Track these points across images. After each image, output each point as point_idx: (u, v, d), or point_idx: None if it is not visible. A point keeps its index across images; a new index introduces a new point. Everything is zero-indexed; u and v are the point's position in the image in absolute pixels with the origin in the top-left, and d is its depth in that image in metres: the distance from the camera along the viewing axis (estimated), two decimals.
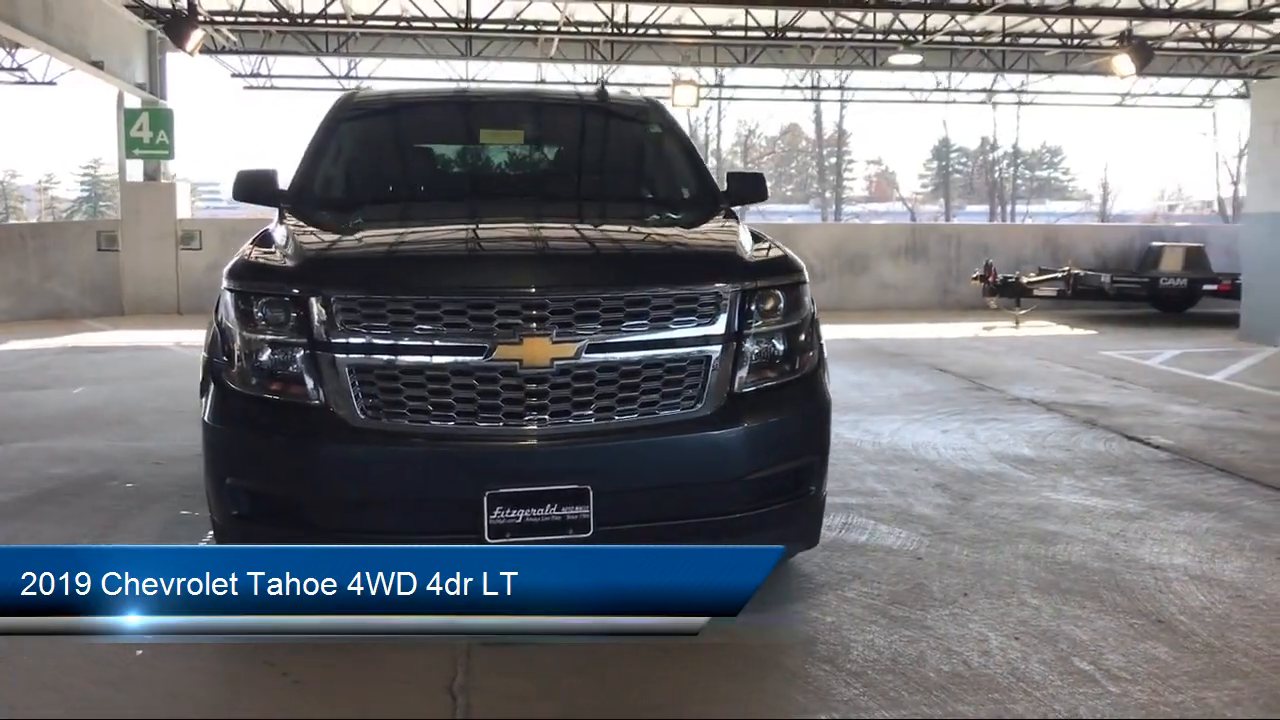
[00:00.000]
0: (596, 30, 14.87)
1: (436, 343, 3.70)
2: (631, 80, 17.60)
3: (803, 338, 4.13)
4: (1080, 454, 7.08)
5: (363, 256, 4.11)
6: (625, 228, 4.56)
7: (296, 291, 3.78)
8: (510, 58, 16.31)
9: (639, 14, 14.47)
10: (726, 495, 3.93)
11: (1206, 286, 15.94)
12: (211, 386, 3.98)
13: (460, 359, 3.70)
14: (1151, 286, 16.23)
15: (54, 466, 6.57)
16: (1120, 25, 13.66)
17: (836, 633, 4.04)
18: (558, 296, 3.74)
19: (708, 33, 14.83)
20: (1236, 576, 4.68)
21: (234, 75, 17.06)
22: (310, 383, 3.76)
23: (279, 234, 4.40)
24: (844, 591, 4.47)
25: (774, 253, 4.22)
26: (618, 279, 3.85)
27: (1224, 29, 14.55)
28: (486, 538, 3.67)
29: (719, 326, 3.90)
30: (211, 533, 4.44)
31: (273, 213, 4.87)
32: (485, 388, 3.71)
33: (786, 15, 14.03)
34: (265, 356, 3.83)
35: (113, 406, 8.60)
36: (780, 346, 4.03)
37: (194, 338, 12.94)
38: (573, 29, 14.79)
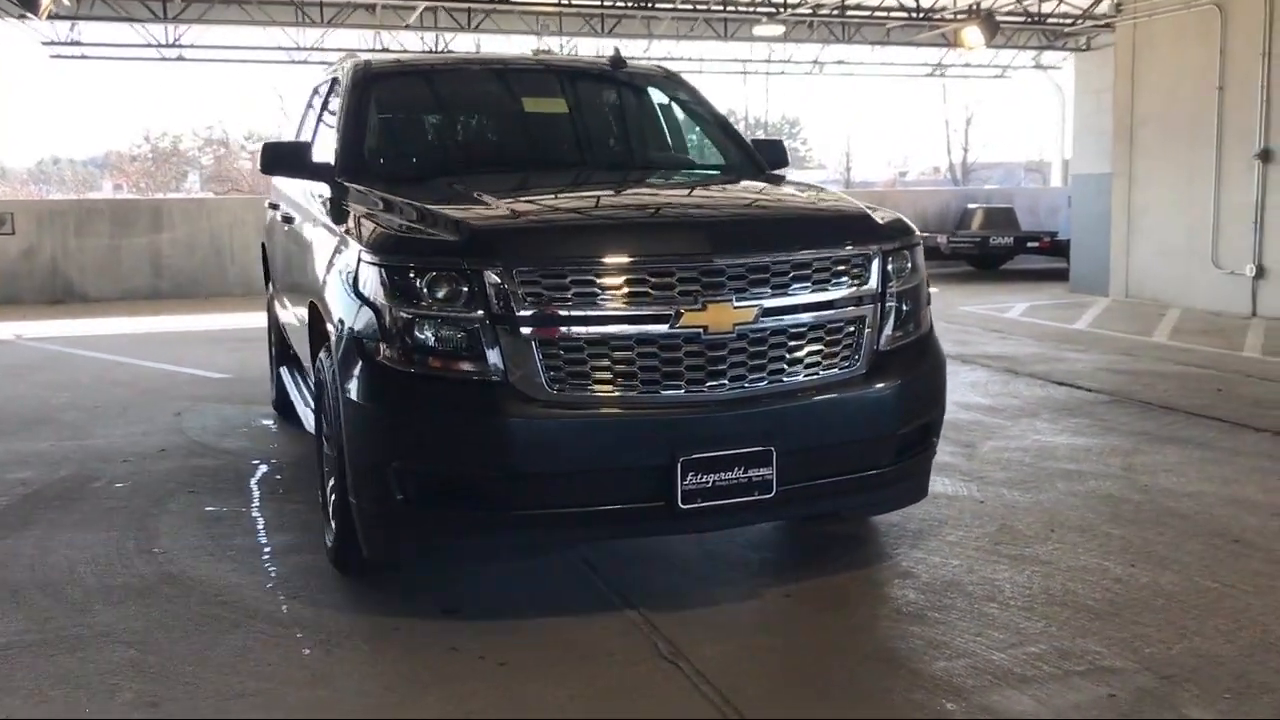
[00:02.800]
0: None
1: (621, 311, 3.66)
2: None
3: (923, 297, 4.30)
4: (1030, 400, 7.59)
5: (538, 227, 3.98)
6: (755, 193, 4.60)
7: (471, 265, 3.65)
8: (347, 24, 15.69)
9: None
10: (881, 449, 4.08)
11: (1030, 244, 17.17)
12: (361, 367, 3.79)
13: (646, 327, 3.68)
14: (983, 246, 17.38)
15: (9, 471, 6.02)
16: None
17: (974, 573, 4.26)
18: (735, 261, 3.77)
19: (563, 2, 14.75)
20: (1260, 498, 5.19)
21: (44, 43, 15.67)
22: (490, 358, 3.64)
23: (389, 205, 4.21)
24: (945, 537, 4.69)
25: (891, 216, 4.36)
26: (786, 242, 3.91)
27: (1048, 5, 15.65)
28: (679, 504, 3.68)
29: (870, 286, 4.02)
30: (331, 528, 4.27)
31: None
32: (670, 354, 3.71)
33: None
34: (434, 333, 3.68)
35: (14, 406, 7.89)
36: (908, 306, 4.19)
37: (36, 329, 12.02)
38: None
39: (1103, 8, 14.73)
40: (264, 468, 6.04)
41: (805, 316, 3.89)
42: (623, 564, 4.40)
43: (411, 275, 3.71)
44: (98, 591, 4.22)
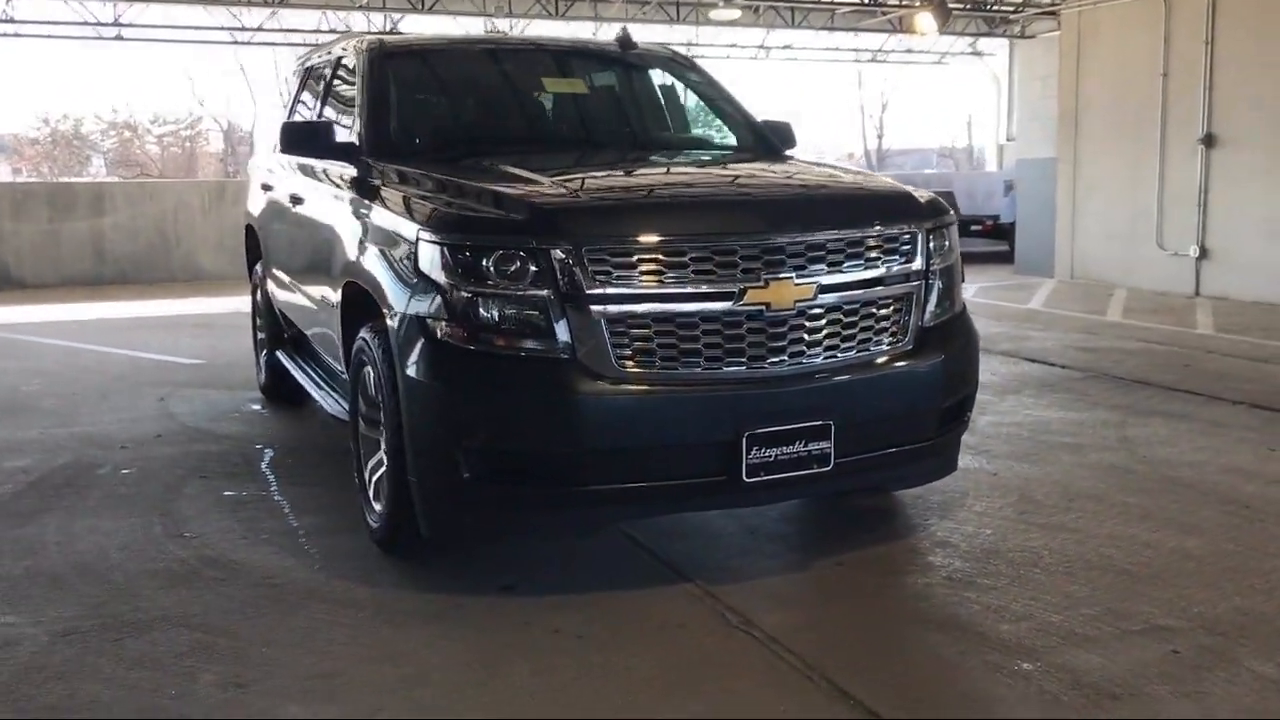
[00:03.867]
0: None
1: (687, 289, 3.73)
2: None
3: (958, 274, 4.43)
4: (1009, 377, 7.81)
5: (606, 206, 4.02)
6: (800, 172, 4.68)
7: (540, 243, 3.68)
8: (297, 4, 15.40)
9: None
10: (925, 423, 4.21)
11: (973, 228, 17.52)
12: (425, 346, 3.80)
13: (711, 304, 3.75)
14: None
15: (4, 459, 5.88)
16: None
17: (1009, 541, 4.41)
18: (795, 239, 3.85)
19: None
20: (1253, 466, 5.43)
21: None
22: (558, 335, 3.68)
23: (438, 184, 4.22)
24: (971, 508, 4.84)
25: (929, 195, 4.48)
26: (841, 220, 4.00)
27: None
28: (744, 477, 3.76)
29: (917, 264, 4.14)
30: (373, 509, 4.26)
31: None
32: (733, 331, 3.78)
33: None
34: (500, 311, 3.71)
35: None
36: (948, 283, 4.31)
37: None
38: None
39: None
40: (270, 452, 5.99)
41: (859, 293, 3.98)
42: (665, 539, 4.47)
43: (477, 254, 3.72)
44: (140, 576, 4.18)
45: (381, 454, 4.41)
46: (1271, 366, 8.12)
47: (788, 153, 5.46)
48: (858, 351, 3.99)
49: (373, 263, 4.24)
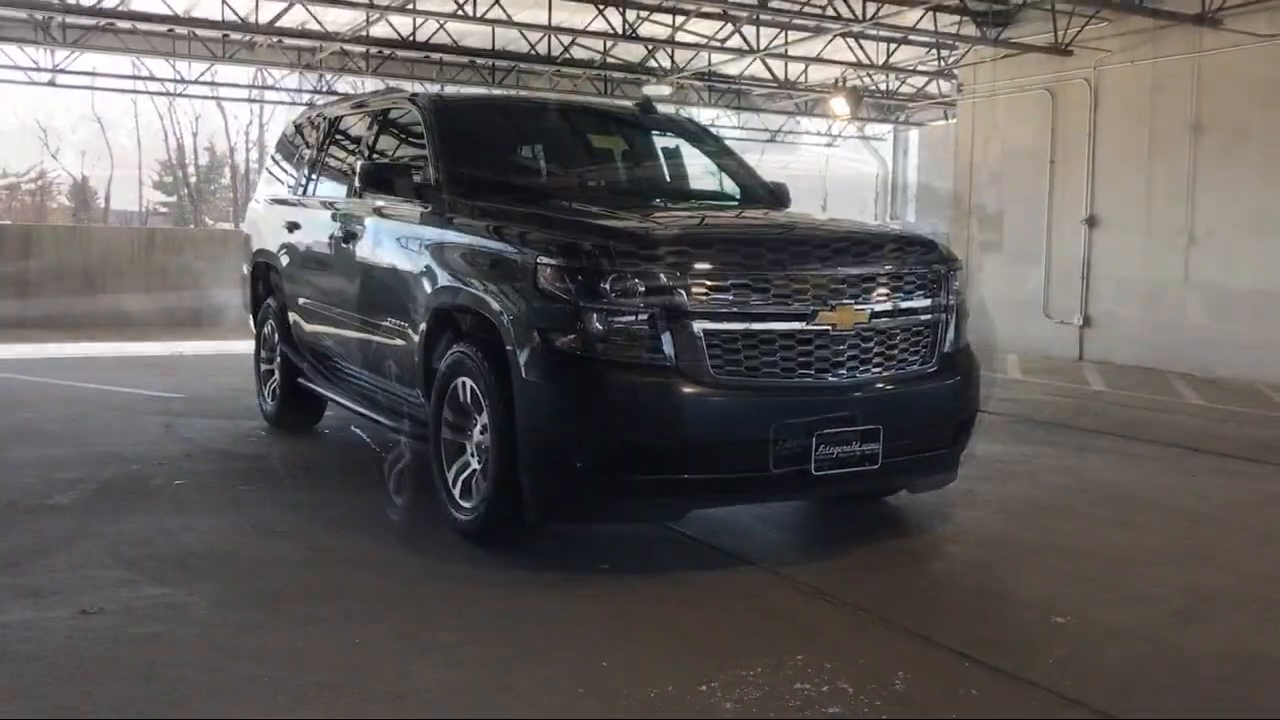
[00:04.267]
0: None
1: (771, 310, 4.46)
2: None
3: (965, 309, 5.27)
4: None
5: (707, 239, 4.73)
6: (840, 220, 5.48)
7: (652, 268, 4.37)
8: (235, 59, 15.77)
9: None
10: (945, 433, 5.02)
11: None
12: (543, 354, 4.42)
13: (789, 324, 4.49)
14: None
15: (54, 472, 6.20)
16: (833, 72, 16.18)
17: (1010, 535, 5.23)
18: (855, 272, 4.64)
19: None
20: (1180, 487, 6.40)
21: None
22: (664, 346, 4.36)
23: (545, 220, 4.88)
24: (964, 513, 5.65)
25: (944, 243, 5.32)
26: (889, 259, 4.80)
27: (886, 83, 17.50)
28: (813, 471, 4.48)
29: (941, 298, 4.96)
30: (461, 506, 4.82)
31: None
32: (805, 347, 4.52)
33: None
34: (615, 325, 4.37)
35: None
36: (960, 316, 5.14)
37: None
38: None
39: (932, 88, 16.49)
40: (307, 468, 6.43)
41: (900, 319, 4.78)
42: (714, 535, 5.13)
43: (596, 276, 4.38)
44: (262, 563, 4.63)
45: (468, 456, 4.99)
46: (1166, 416, 9.26)
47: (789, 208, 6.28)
48: (897, 369, 4.77)
49: (480, 286, 4.83)
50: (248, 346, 10.57)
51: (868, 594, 4.34)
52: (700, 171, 6.49)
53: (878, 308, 4.69)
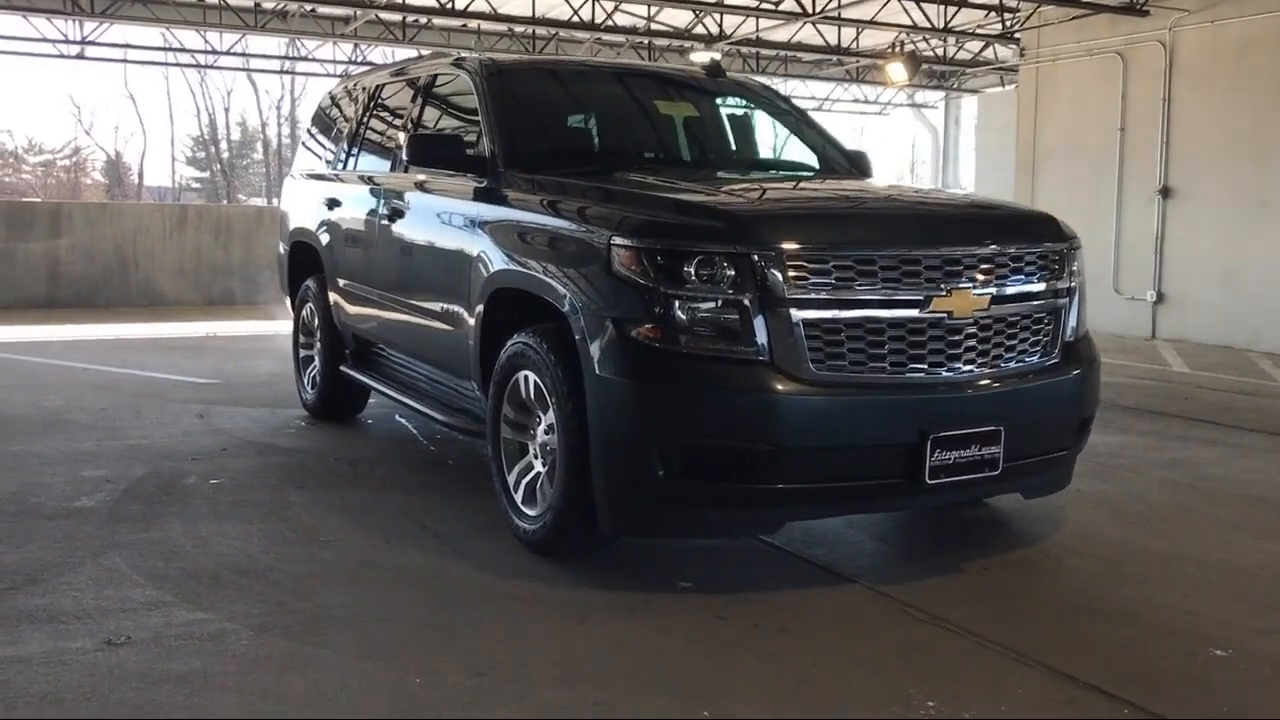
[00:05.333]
0: None
1: (878, 296, 3.92)
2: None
3: (1084, 293, 4.71)
4: None
5: (807, 214, 4.20)
6: (951, 192, 4.92)
7: (742, 249, 3.83)
8: (269, 29, 15.31)
9: None
10: (1067, 433, 4.47)
11: None
12: (619, 346, 3.91)
13: (900, 311, 3.94)
14: None
15: (81, 469, 5.76)
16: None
17: (1129, 546, 4.68)
18: (973, 252, 4.08)
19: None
20: None
21: None
22: (757, 338, 3.83)
23: (609, 194, 4.35)
24: (1073, 518, 5.11)
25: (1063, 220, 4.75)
26: (1009, 237, 4.24)
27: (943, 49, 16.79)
28: (927, 479, 3.94)
29: (1062, 281, 4.40)
30: (525, 513, 4.32)
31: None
32: (917, 338, 3.98)
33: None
34: (701, 314, 3.84)
35: (6, 410, 7.44)
36: (1081, 302, 4.58)
37: None
38: None
39: (988, 54, 15.81)
40: (352, 464, 5.96)
41: (1021, 306, 4.23)
42: (804, 545, 4.61)
43: (677, 258, 3.86)
44: (303, 577, 4.17)
45: (531, 458, 4.50)
46: (1264, 400, 8.64)
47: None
48: (1016, 362, 4.22)
49: (543, 270, 4.33)
50: (283, 328, 10.16)
51: (988, 619, 3.82)
52: (774, 139, 5.94)
53: (998, 292, 4.14)
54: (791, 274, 3.84)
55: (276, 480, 5.59)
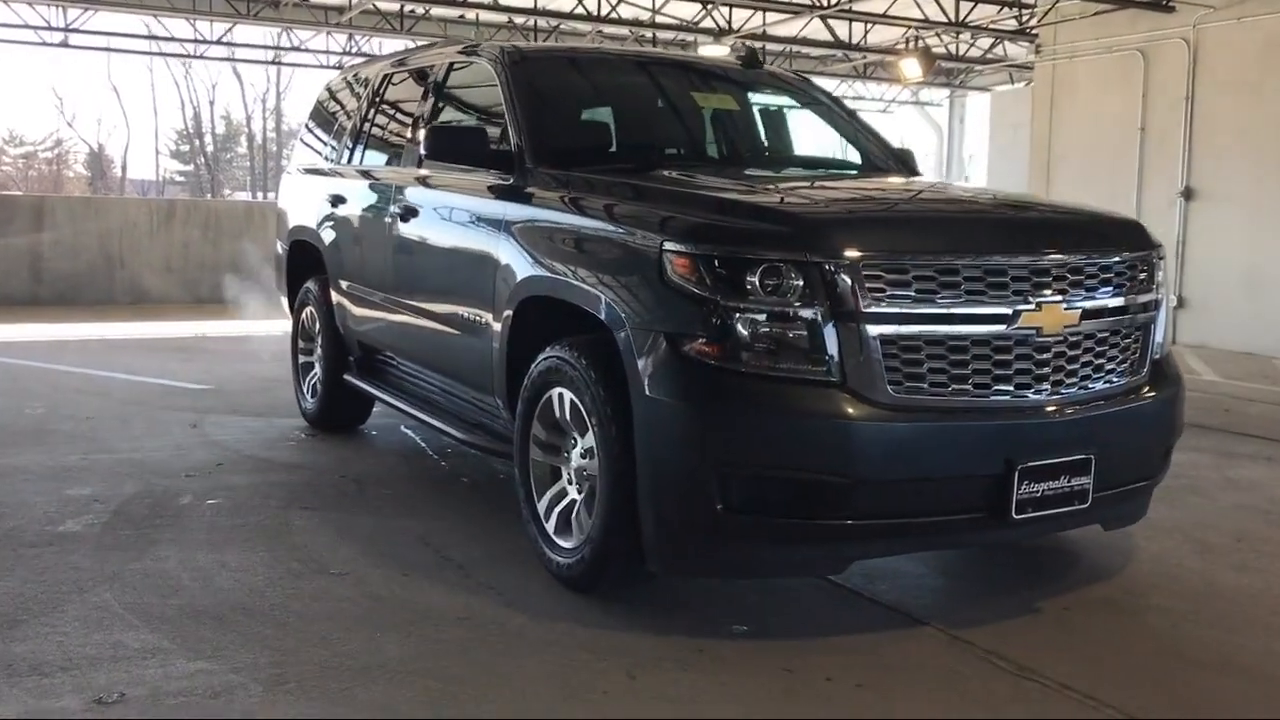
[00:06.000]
0: None
1: (962, 310, 3.52)
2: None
3: (1167, 307, 4.31)
4: None
5: (881, 218, 3.80)
6: (1024, 195, 4.50)
7: (814, 257, 3.43)
8: (261, 17, 14.82)
9: None
10: (1154, 459, 4.08)
11: None
12: (672, 363, 3.50)
13: (985, 327, 3.55)
14: None
15: (67, 486, 5.32)
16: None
17: (1214, 582, 4.29)
18: (1060, 261, 3.69)
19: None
20: None
21: None
22: (829, 356, 3.42)
23: (649, 193, 3.95)
24: (1148, 548, 4.71)
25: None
26: (1097, 244, 3.84)
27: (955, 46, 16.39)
28: (1013, 514, 3.55)
29: (1150, 293, 4.00)
30: (557, 545, 3.90)
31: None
32: (1003, 356, 3.58)
33: None
34: (766, 328, 3.44)
35: None
36: (1163, 314, 4.19)
37: None
38: None
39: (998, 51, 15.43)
40: (359, 482, 5.53)
41: (1110, 320, 3.83)
42: (866, 581, 4.21)
43: (740, 266, 3.46)
44: (315, 618, 3.75)
45: (565, 483, 4.09)
46: None
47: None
48: (1105, 383, 3.82)
49: (582, 277, 3.92)
50: (276, 328, 9.78)
51: (1081, 671, 3.42)
52: (817, 135, 5.53)
53: (1088, 305, 3.73)
54: (867, 285, 3.43)
55: (278, 500, 5.16)
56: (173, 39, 16.38)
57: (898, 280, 3.46)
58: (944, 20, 14.06)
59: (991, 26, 14.78)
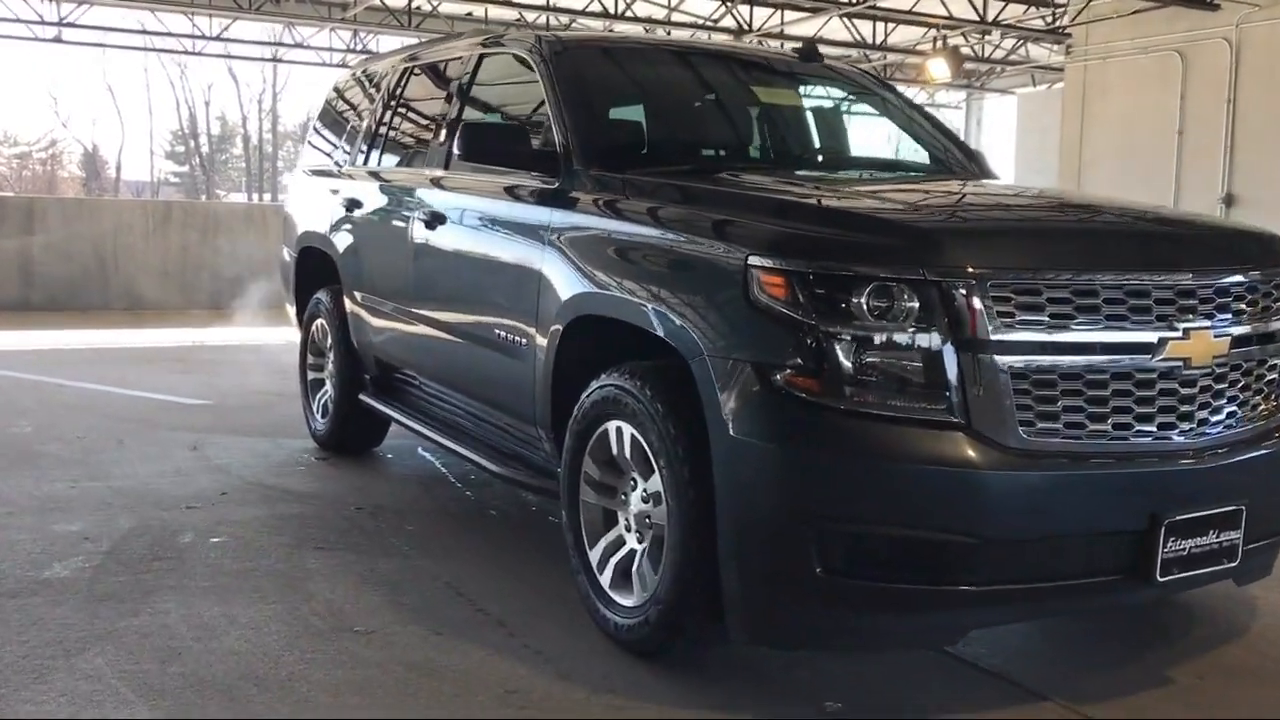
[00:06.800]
0: None
1: (1102, 338, 3.01)
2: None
3: None
4: None
5: (1003, 229, 3.30)
6: (1148, 204, 3.97)
7: (933, 274, 2.92)
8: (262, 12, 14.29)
9: None
10: None
11: None
12: (761, 398, 2.98)
13: (1125, 358, 3.04)
14: None
15: (52, 521, 4.80)
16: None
17: None
18: (1209, 282, 3.18)
19: None
20: None
21: None
22: (950, 391, 2.91)
23: (727, 199, 3.45)
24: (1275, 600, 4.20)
25: None
26: (1244, 261, 3.33)
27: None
28: (1157, 575, 3.04)
29: None
30: (614, 603, 3.39)
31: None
32: (1145, 392, 3.07)
33: None
34: (875, 358, 2.93)
35: None
36: None
37: None
38: None
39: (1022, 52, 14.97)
40: (376, 516, 5.01)
41: (1262, 349, 3.32)
42: (964, 644, 3.68)
43: (844, 285, 2.95)
44: (343, 690, 3.24)
45: (623, 530, 3.58)
46: None
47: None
48: (1251, 421, 3.31)
49: (647, 295, 3.41)
50: (277, 336, 9.30)
51: None
52: (884, 133, 5.02)
53: (1237, 332, 3.22)
54: (995, 307, 2.92)
55: (290, 538, 4.64)
56: (170, 34, 15.83)
57: (1030, 302, 2.95)
58: (971, 19, 13.54)
59: (1021, 24, 14.27)
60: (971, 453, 2.89)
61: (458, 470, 5.77)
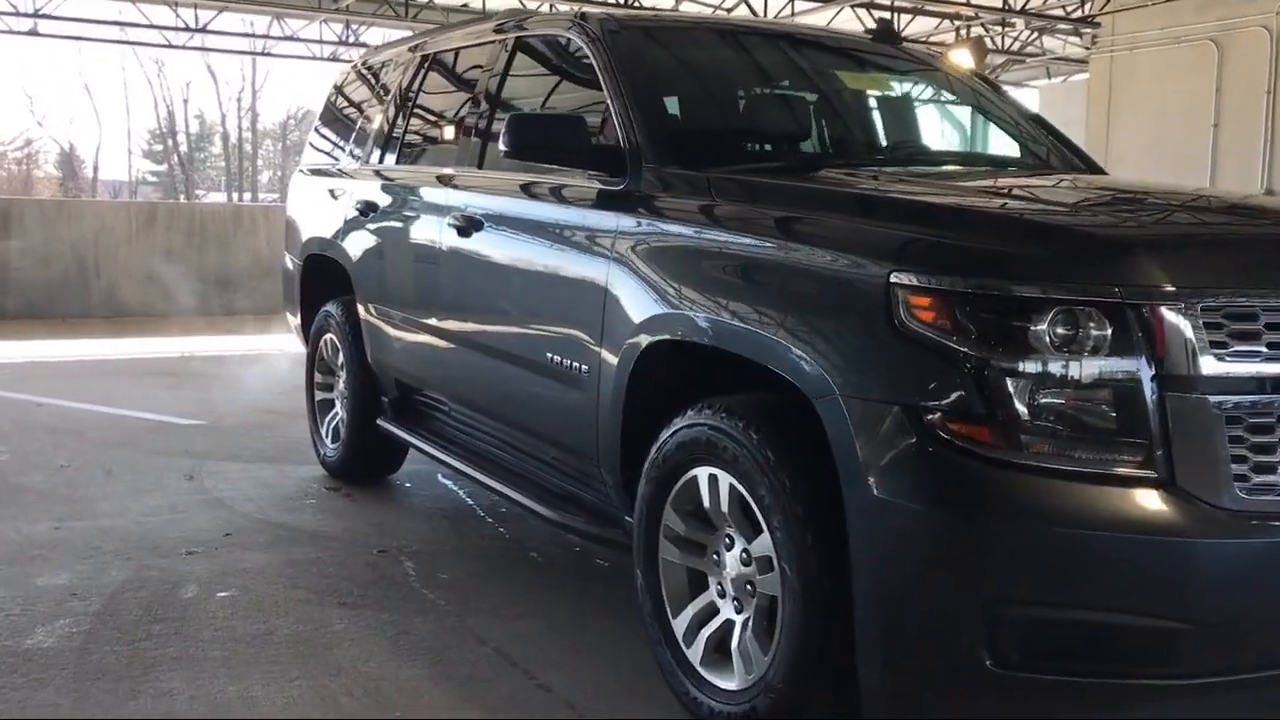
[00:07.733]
0: None
1: None
2: None
3: None
4: None
5: (1207, 239, 2.74)
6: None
7: (1125, 296, 2.35)
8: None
9: None
10: None
11: None
12: (913, 449, 2.42)
13: None
14: None
15: (35, 574, 4.20)
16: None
17: None
18: None
19: None
20: None
21: None
22: (1152, 440, 2.35)
23: (851, 202, 2.88)
24: None
25: None
26: None
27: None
28: None
29: None
30: (709, 684, 2.82)
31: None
32: None
33: None
34: (1060, 399, 2.36)
35: None
36: None
37: None
38: None
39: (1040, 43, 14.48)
40: (405, 561, 4.43)
41: None
42: None
43: (1020, 309, 2.38)
44: None
45: (715, 596, 3.02)
46: None
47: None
48: None
49: (752, 317, 2.84)
50: (272, 345, 8.75)
51: None
52: (980, 127, 4.46)
53: None
54: (1207, 335, 2.35)
55: (308, 590, 4.06)
56: (151, 25, 15.14)
57: (1244, 330, 2.40)
58: (994, 7, 12.99)
59: (1045, 13, 13.74)
60: (1182, 517, 2.33)
61: (485, 501, 5.20)
